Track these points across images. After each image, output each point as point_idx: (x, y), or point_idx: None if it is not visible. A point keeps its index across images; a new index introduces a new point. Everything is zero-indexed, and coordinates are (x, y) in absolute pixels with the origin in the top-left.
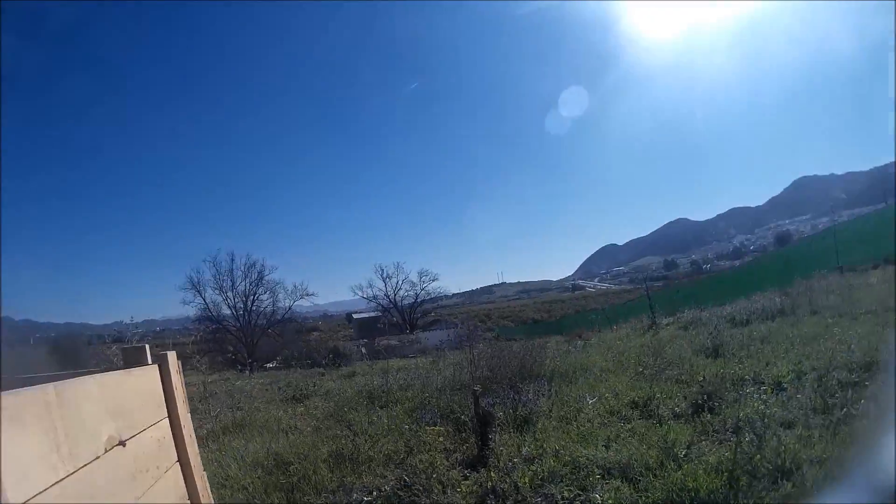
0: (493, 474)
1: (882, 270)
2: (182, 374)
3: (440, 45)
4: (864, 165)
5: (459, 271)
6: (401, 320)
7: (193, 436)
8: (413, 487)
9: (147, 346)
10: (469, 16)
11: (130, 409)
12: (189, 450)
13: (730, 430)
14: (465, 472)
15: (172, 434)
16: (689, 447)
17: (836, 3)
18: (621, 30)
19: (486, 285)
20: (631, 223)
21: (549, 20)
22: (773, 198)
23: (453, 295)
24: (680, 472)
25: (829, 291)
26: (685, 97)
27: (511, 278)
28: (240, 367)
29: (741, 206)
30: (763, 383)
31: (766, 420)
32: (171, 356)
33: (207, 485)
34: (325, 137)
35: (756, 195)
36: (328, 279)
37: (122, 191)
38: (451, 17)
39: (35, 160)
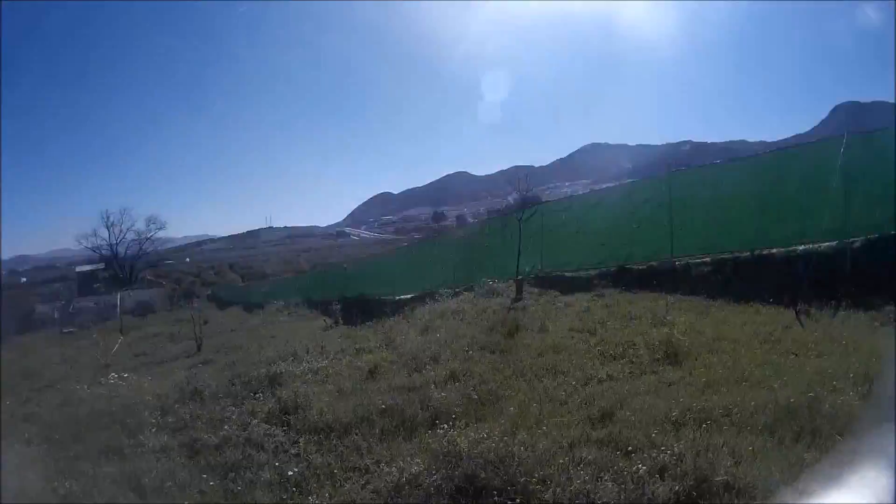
0: None
1: None
2: None
3: None
4: (659, 140)
5: (225, 212)
6: (122, 274)
7: None
8: None
9: None
10: None
11: None
12: None
13: None
14: None
15: None
16: None
17: None
18: None
19: (253, 228)
20: (408, 173)
21: None
22: (560, 159)
23: (219, 239)
24: None
25: None
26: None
27: (280, 222)
28: None
29: (525, 164)
30: None
31: None
32: None
33: None
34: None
35: (542, 157)
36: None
37: None
38: None
39: None
